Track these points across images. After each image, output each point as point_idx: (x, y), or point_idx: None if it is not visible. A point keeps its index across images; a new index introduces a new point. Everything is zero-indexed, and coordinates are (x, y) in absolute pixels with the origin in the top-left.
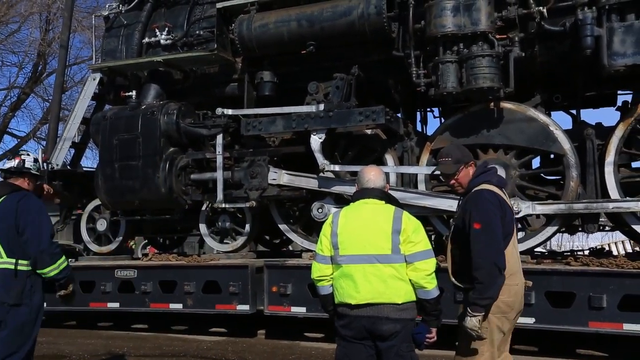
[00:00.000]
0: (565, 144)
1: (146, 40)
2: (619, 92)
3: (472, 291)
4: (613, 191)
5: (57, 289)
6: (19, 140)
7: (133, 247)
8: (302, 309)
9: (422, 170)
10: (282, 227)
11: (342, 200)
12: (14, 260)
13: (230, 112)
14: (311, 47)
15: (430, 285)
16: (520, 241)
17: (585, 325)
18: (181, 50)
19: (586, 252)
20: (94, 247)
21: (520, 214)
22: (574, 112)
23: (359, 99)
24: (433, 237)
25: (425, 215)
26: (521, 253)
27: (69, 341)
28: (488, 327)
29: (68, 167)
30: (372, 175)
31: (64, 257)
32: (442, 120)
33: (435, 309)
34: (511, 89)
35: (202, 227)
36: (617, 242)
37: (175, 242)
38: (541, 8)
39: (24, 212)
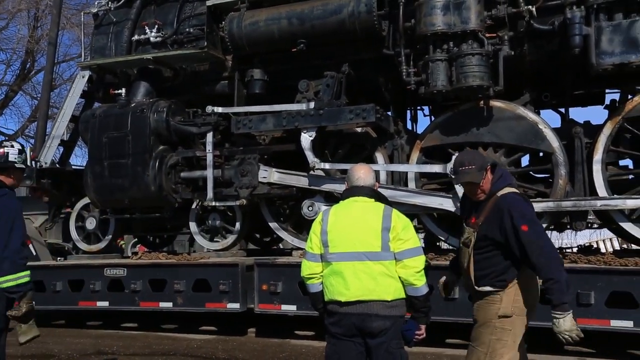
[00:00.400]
0: (554, 142)
1: (136, 37)
2: (607, 90)
3: (550, 293)
4: (601, 189)
5: (8, 306)
6: (6, 138)
7: (123, 245)
8: (293, 307)
9: (412, 168)
10: (273, 225)
11: (332, 198)
12: None
13: (220, 110)
14: (301, 45)
15: (420, 282)
16: None
17: None
18: (171, 47)
19: (574, 250)
20: (83, 246)
21: None
22: (562, 110)
23: (349, 97)
24: (423, 235)
25: (415, 213)
26: None
27: (57, 340)
28: (512, 329)
29: (57, 165)
30: (361, 174)
31: (28, 272)
32: (432, 118)
33: (424, 306)
34: (500, 87)
35: (192, 226)
36: (605, 240)
37: (165, 241)
38: (530, 7)
39: None
